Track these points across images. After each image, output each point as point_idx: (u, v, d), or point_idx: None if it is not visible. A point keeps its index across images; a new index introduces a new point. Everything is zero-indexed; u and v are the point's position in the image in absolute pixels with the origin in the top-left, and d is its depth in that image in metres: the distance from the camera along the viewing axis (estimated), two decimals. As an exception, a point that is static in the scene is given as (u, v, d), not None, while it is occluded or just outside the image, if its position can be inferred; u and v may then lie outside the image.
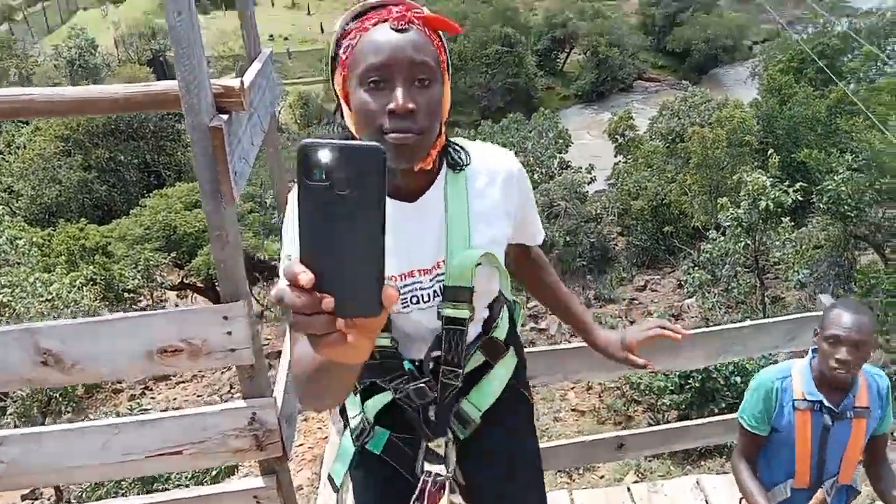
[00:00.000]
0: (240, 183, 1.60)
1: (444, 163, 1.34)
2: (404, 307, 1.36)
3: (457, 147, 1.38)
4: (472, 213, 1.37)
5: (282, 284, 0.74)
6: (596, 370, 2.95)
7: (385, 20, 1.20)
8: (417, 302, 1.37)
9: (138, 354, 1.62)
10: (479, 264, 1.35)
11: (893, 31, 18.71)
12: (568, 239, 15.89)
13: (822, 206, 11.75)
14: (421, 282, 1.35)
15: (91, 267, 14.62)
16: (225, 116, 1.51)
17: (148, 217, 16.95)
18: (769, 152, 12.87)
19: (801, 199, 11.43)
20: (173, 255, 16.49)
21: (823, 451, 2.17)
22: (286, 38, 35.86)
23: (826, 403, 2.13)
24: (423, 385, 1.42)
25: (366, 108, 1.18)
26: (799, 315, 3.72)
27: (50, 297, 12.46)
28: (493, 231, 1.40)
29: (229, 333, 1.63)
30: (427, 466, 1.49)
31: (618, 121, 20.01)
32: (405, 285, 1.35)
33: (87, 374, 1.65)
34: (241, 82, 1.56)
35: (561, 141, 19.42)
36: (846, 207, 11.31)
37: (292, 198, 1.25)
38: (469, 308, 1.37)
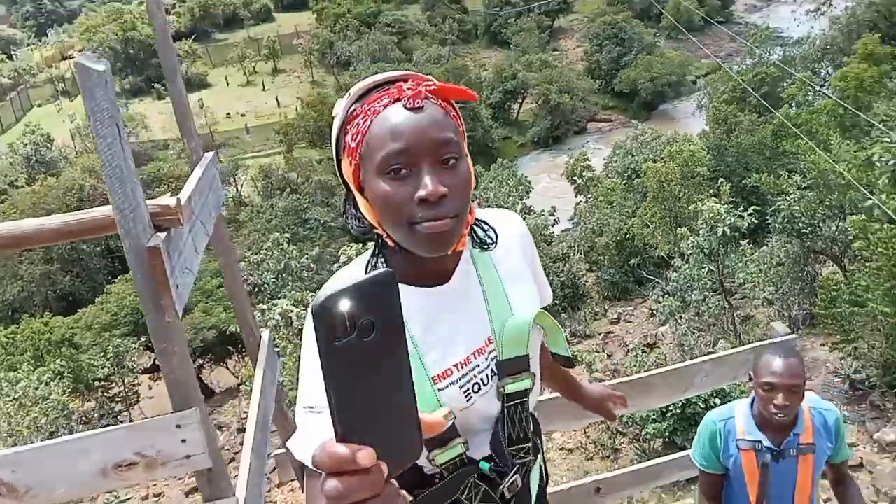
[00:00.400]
0: (182, 294, 1.66)
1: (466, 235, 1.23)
2: (468, 399, 1.24)
3: (485, 225, 1.30)
4: (504, 281, 1.31)
5: (324, 459, 0.63)
6: (565, 420, 3.02)
7: (397, 99, 1.10)
8: (479, 389, 1.26)
9: (93, 472, 1.64)
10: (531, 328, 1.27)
11: (824, 56, 19.63)
12: (539, 282, 16.06)
13: (777, 225, 12.11)
14: (479, 365, 1.26)
15: (58, 360, 14.32)
16: (163, 235, 1.58)
17: (114, 303, 16.75)
18: (719, 180, 13.29)
19: (756, 221, 11.78)
20: (143, 339, 16.25)
21: (766, 489, 2.22)
22: (243, 115, 36.27)
23: (766, 443, 2.19)
24: (515, 477, 1.28)
25: (391, 200, 1.08)
26: (755, 345, 3.86)
27: (17, 395, 12.15)
28: (526, 292, 1.34)
29: (184, 441, 1.67)
30: None
31: (574, 163, 20.51)
32: (464, 375, 1.24)
33: (41, 498, 1.66)
34: (178, 200, 1.64)
35: (521, 187, 19.81)
36: (801, 225, 11.68)
37: (307, 341, 1.16)
38: (530, 376, 1.30)
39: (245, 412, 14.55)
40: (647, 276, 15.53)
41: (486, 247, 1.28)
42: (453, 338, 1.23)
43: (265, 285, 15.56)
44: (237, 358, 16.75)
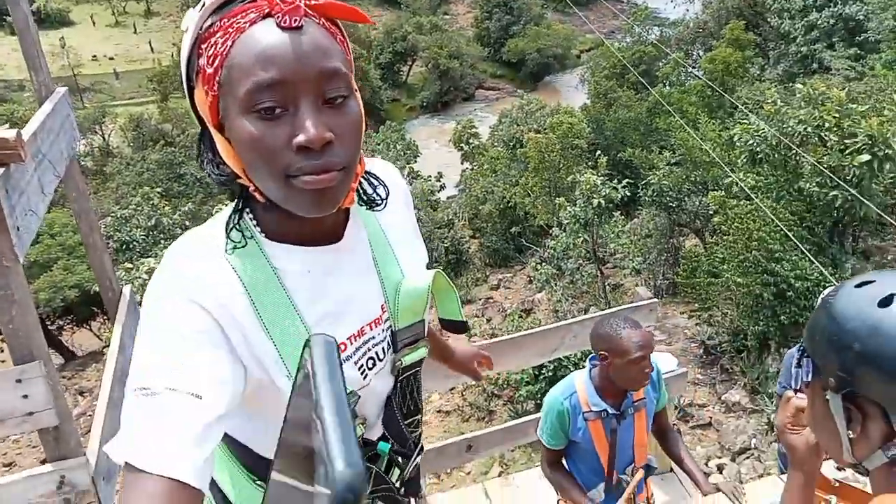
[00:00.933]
0: (25, 238, 1.51)
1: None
2: (364, 377, 1.09)
3: (373, 179, 1.09)
4: (393, 242, 1.15)
5: None
6: (436, 379, 3.07)
7: (268, 14, 0.86)
8: (374, 365, 1.11)
9: (-84, 433, 1.48)
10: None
11: (697, 38, 20.80)
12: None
13: (647, 198, 12.83)
14: (374, 337, 1.10)
15: None
16: (0, 171, 1.42)
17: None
18: (597, 153, 13.88)
19: (629, 194, 12.42)
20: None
21: (615, 451, 2.38)
22: (111, 59, 33.65)
23: (610, 410, 2.33)
24: (416, 460, 1.18)
25: (261, 146, 0.86)
26: (618, 308, 4.10)
27: None
28: (415, 253, 1.20)
29: (25, 397, 1.53)
30: None
31: (462, 129, 20.69)
32: (358, 349, 1.08)
33: None
34: (19, 133, 1.47)
35: (409, 151, 19.77)
36: (668, 199, 12.43)
37: (154, 304, 0.93)
38: (426, 343, 1.17)
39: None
40: (527, 244, 16.05)
41: (374, 205, 1.08)
42: (346, 307, 1.05)
43: (134, 242, 14.69)
44: (102, 319, 15.78)
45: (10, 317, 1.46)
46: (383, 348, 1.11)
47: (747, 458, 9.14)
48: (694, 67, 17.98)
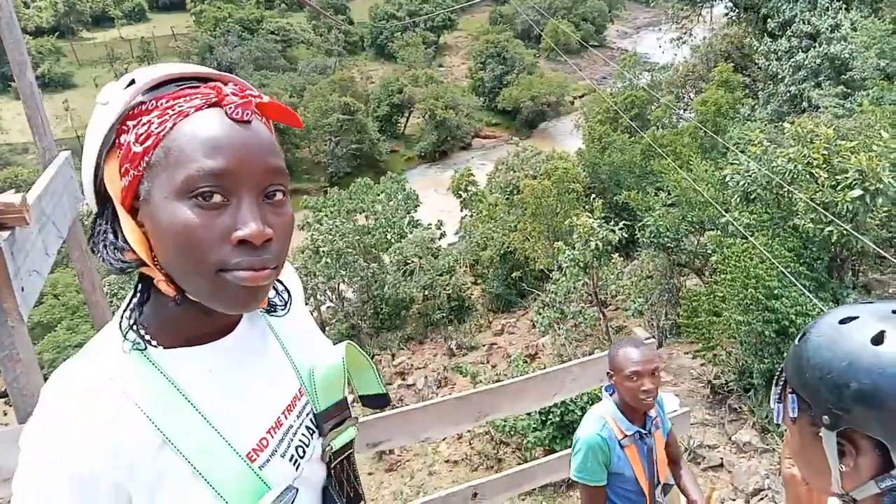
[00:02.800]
0: (29, 298, 1.56)
1: None
2: (297, 468, 1.02)
3: (279, 284, 1.07)
4: (297, 336, 1.11)
5: None
6: (443, 426, 3.08)
7: (215, 103, 0.85)
8: (304, 454, 1.04)
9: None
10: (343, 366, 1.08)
11: (687, 81, 21.23)
12: (426, 293, 16.30)
13: (645, 240, 12.93)
14: (292, 425, 1.03)
15: None
16: (5, 234, 1.48)
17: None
18: (593, 196, 14.03)
19: (626, 235, 12.52)
20: (-3, 361, 14.97)
21: (653, 471, 2.45)
22: (115, 118, 34.31)
23: (642, 431, 2.40)
24: None
25: (195, 235, 0.82)
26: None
27: None
28: (321, 341, 1.17)
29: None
30: None
31: (460, 177, 20.93)
32: (281, 440, 1.01)
33: None
34: (23, 197, 1.54)
35: (410, 201, 19.96)
36: (666, 239, 12.51)
37: (37, 464, 0.86)
38: (354, 423, 1.09)
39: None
40: (529, 288, 16.07)
41: (273, 311, 1.05)
42: (256, 400, 0.99)
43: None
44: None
45: (15, 376, 1.50)
46: (306, 434, 1.05)
47: (761, 499, 8.98)
48: (685, 110, 18.32)
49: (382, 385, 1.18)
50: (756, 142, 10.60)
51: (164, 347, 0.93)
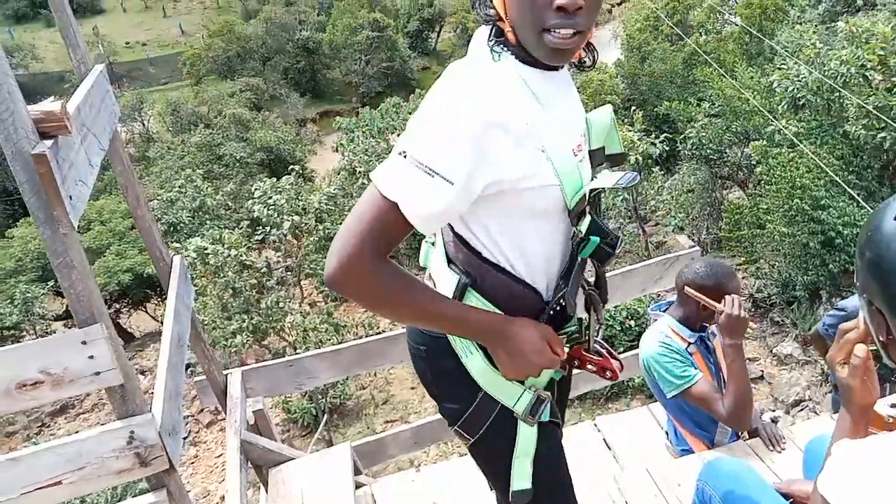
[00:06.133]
0: (78, 206, 1.58)
1: None
2: (591, 178, 1.37)
3: (592, 47, 1.36)
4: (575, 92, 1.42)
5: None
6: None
7: None
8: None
9: (-6, 392, 1.58)
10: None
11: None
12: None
13: (687, 152, 12.57)
14: (584, 147, 1.38)
15: (-40, 308, 13.57)
16: (49, 142, 1.49)
17: (18, 248, 15.84)
18: (633, 109, 13.58)
19: (667, 148, 12.17)
20: (52, 283, 15.51)
21: (721, 375, 2.48)
22: (144, 44, 34.07)
23: (704, 336, 2.47)
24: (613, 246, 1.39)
25: (530, 1, 1.14)
26: (661, 258, 4.07)
27: (-84, 348, 11.50)
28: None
29: (91, 357, 1.62)
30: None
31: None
32: (583, 152, 1.38)
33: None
34: (63, 105, 1.54)
35: (442, 119, 19.66)
36: (709, 151, 12.15)
37: (443, 103, 1.19)
38: (608, 168, 1.45)
39: (166, 354, 14.34)
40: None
41: (583, 68, 1.38)
42: (572, 117, 1.34)
43: (181, 224, 15.04)
44: (156, 301, 16.26)
45: (71, 282, 1.54)
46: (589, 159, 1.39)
47: (801, 409, 9.04)
48: (730, 14, 17.37)
49: (621, 145, 1.46)
50: (810, 44, 10.03)
51: (519, 61, 1.26)
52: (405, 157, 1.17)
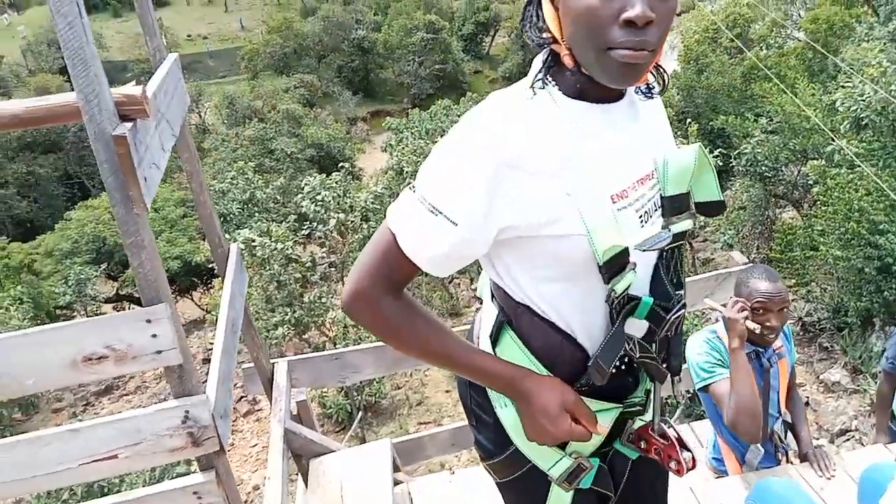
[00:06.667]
0: (151, 188, 1.63)
1: None
2: (641, 226, 1.19)
3: (661, 69, 1.22)
4: (658, 125, 1.27)
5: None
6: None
7: None
8: (648, 220, 1.20)
9: (62, 365, 1.64)
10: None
11: (796, -2, 19.58)
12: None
13: (741, 168, 12.29)
14: (644, 194, 1.19)
15: (18, 286, 14.09)
16: (129, 124, 1.54)
17: (75, 230, 16.41)
18: (688, 121, 13.35)
19: (721, 164, 11.92)
20: (105, 266, 16.00)
21: (767, 394, 2.38)
22: (205, 38, 34.93)
23: (759, 350, 2.35)
24: (677, 314, 1.22)
25: (591, 14, 1.00)
26: (713, 273, 3.98)
27: (-25, 320, 11.99)
28: (670, 138, 1.31)
29: (154, 336, 1.67)
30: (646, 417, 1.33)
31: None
32: (637, 199, 1.18)
33: (11, 388, 1.66)
34: (144, 90, 1.59)
35: (492, 123, 19.67)
36: (764, 168, 11.86)
37: (455, 143, 1.10)
38: (691, 216, 1.23)
39: (210, 343, 14.59)
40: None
41: (650, 94, 1.23)
42: (623, 159, 1.16)
43: (230, 215, 15.37)
44: (202, 290, 16.65)
45: (140, 261, 1.59)
46: (652, 206, 1.20)
47: (847, 440, 8.74)
48: (793, 30, 16.95)
49: (719, 192, 1.26)
50: (874, 62, 9.72)
51: (563, 94, 1.14)
52: (413, 191, 1.12)
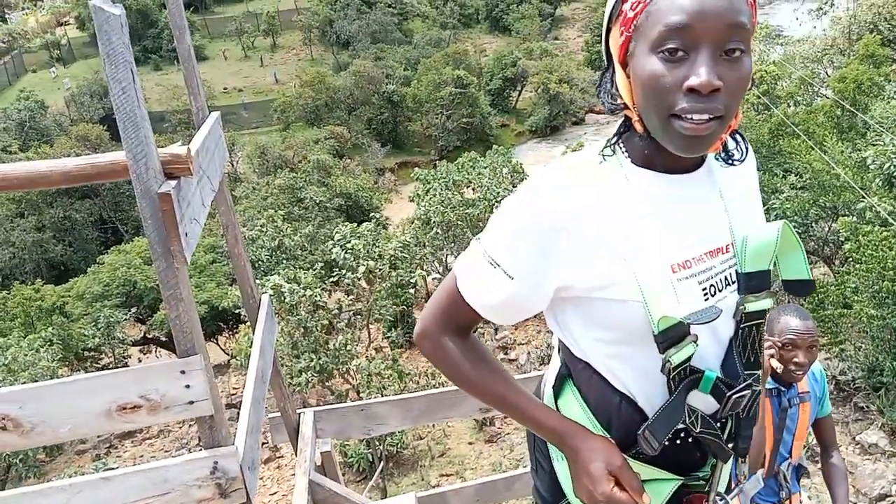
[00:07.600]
0: (191, 243, 1.69)
1: None
2: (705, 300, 1.15)
3: (739, 137, 1.20)
4: (743, 197, 1.23)
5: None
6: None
7: None
8: (715, 294, 1.16)
9: (97, 413, 1.68)
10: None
11: (823, 57, 19.67)
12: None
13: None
14: (714, 267, 1.16)
15: (49, 328, 14.32)
16: (173, 182, 1.61)
17: (106, 274, 16.74)
18: (716, 176, 13.30)
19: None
20: (134, 310, 16.22)
21: (781, 433, 2.37)
22: (240, 91, 36.02)
23: (781, 389, 2.34)
24: (741, 393, 1.16)
25: (657, 82, 1.00)
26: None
27: (6, 361, 12.18)
28: (757, 212, 1.27)
29: (188, 387, 1.70)
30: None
31: (571, 152, 20.50)
32: (702, 271, 1.15)
33: (47, 436, 1.70)
34: (188, 149, 1.66)
35: (516, 174, 19.81)
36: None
37: (530, 205, 1.12)
38: (770, 296, 1.20)
39: (234, 388, 14.62)
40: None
41: (731, 161, 1.19)
42: (689, 230, 1.15)
43: (259, 262, 15.57)
44: (227, 335, 16.76)
45: (178, 313, 1.64)
46: (723, 281, 1.17)
47: (886, 505, 8.42)
48: (821, 87, 16.99)
49: (809, 271, 1.22)
50: (905, 120, 9.70)
51: (632, 162, 1.15)
52: (479, 242, 1.18)
